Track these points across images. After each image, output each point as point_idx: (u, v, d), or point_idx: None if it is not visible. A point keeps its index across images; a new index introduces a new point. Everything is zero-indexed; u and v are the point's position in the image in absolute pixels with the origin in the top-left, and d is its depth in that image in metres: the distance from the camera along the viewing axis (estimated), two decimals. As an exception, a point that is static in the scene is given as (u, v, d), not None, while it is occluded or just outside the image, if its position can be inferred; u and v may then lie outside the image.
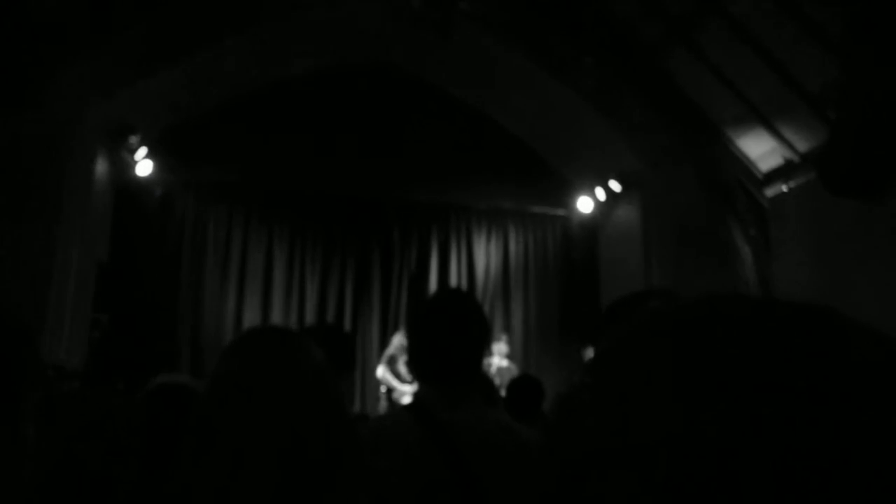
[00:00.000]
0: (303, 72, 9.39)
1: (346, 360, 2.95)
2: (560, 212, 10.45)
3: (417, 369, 2.04)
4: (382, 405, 7.94)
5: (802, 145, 7.88)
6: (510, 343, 8.80)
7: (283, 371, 1.29)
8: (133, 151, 8.43)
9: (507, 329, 9.74)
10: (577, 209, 10.18)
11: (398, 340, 8.01)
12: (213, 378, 1.35)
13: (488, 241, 10.34)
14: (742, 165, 8.67)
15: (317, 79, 9.46)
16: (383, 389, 7.92)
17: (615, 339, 0.43)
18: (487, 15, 8.27)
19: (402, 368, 7.67)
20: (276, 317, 9.39)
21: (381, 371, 7.94)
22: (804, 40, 6.91)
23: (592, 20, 8.65)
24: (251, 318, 9.30)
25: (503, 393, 4.89)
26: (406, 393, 7.58)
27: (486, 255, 10.28)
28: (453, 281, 10.00)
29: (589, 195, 9.93)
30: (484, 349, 2.08)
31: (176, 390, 2.11)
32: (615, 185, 9.44)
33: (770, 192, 8.41)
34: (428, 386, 2.00)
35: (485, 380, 4.37)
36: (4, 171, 7.19)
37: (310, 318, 9.46)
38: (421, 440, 1.82)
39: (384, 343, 8.89)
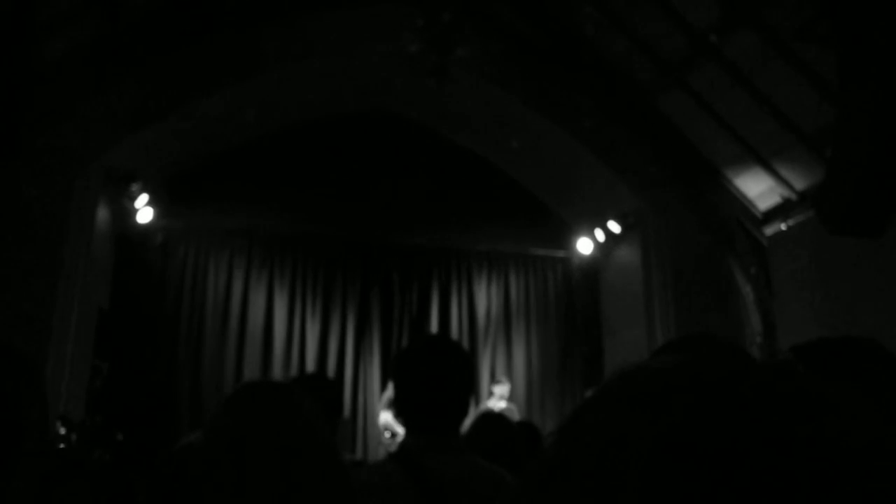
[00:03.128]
0: (302, 119, 9.50)
1: (333, 407, 2.94)
2: (560, 254, 10.46)
3: (403, 417, 2.04)
4: (386, 450, 7.82)
5: (800, 184, 7.93)
6: (512, 385, 8.73)
7: (274, 425, 1.29)
8: (134, 199, 8.48)
9: (509, 371, 9.69)
10: (577, 251, 10.19)
11: None
12: (207, 434, 1.34)
13: (489, 283, 10.33)
14: (740, 204, 8.71)
15: (316, 125, 9.57)
16: (388, 435, 7.82)
17: (585, 405, 0.43)
18: (484, 61, 8.39)
19: None
20: (277, 362, 9.34)
21: (384, 416, 7.84)
22: (797, 81, 6.99)
23: (588, 64, 8.77)
24: (252, 363, 9.25)
25: None
26: None
27: (486, 297, 10.26)
28: (454, 324, 9.97)
29: (588, 237, 9.95)
30: (469, 394, 2.07)
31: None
32: (614, 227, 9.46)
33: (769, 230, 8.43)
34: (413, 434, 1.99)
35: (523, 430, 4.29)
36: (5, 219, 7.23)
37: (310, 362, 9.41)
38: (405, 489, 1.81)
39: (386, 388, 8.83)
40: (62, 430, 5.84)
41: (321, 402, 2.80)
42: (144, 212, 8.67)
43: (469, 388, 2.06)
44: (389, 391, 7.93)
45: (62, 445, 5.70)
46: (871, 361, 1.28)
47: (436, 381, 1.97)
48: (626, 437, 0.38)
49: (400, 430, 7.64)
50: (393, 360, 2.23)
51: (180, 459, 2.03)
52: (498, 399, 8.06)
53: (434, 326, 9.88)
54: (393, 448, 7.58)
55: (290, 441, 1.28)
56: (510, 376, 9.30)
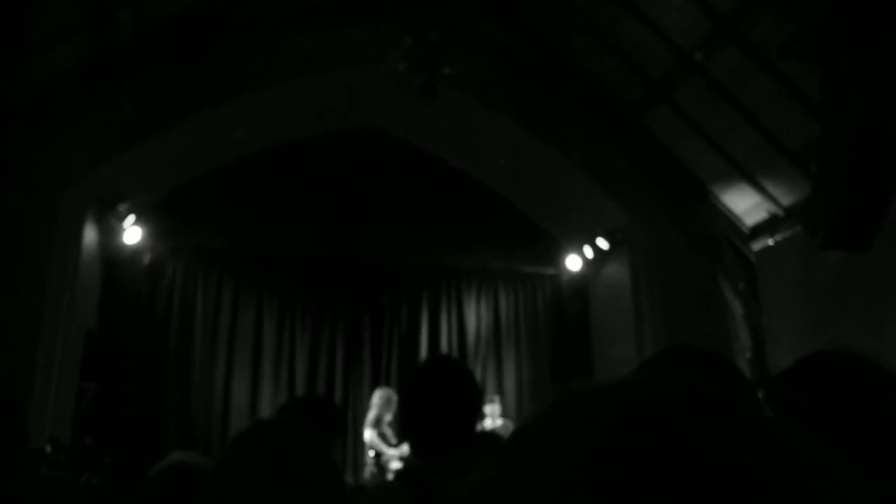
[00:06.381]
0: (290, 139, 9.49)
1: (335, 430, 2.93)
2: (549, 271, 10.47)
3: (409, 439, 2.04)
4: (371, 470, 7.76)
5: (786, 199, 7.99)
6: (503, 403, 8.71)
7: (286, 465, 1.29)
8: (122, 219, 8.44)
9: (500, 389, 9.66)
10: (566, 268, 10.22)
11: (378, 399, 7.90)
12: (215, 473, 1.34)
13: (478, 301, 10.32)
14: (728, 220, 8.75)
15: (305, 144, 9.57)
16: (371, 454, 7.76)
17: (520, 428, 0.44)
18: (471, 79, 8.43)
19: (388, 430, 7.53)
20: (266, 383, 9.28)
21: (369, 435, 7.79)
22: (782, 97, 7.06)
23: (575, 82, 8.83)
24: (241, 385, 9.19)
25: None
26: (394, 457, 7.43)
27: (476, 315, 10.25)
28: (444, 343, 9.95)
29: (577, 253, 9.99)
30: (476, 415, 2.08)
31: (189, 471, 2.06)
32: (603, 243, 9.50)
33: (756, 245, 8.48)
34: (420, 455, 1.99)
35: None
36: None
37: (300, 383, 9.35)
38: None
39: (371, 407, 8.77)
40: (49, 451, 5.76)
41: (323, 425, 2.80)
42: (132, 232, 8.62)
43: (475, 409, 2.07)
44: (375, 410, 7.89)
45: (49, 467, 5.63)
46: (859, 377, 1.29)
47: (442, 403, 1.98)
48: (550, 459, 0.39)
49: (386, 450, 7.62)
50: (399, 382, 2.23)
51: (164, 480, 2.02)
52: (491, 420, 8.05)
53: (424, 345, 9.86)
54: (375, 469, 7.57)
55: (300, 480, 1.28)
56: (501, 394, 9.28)
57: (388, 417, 7.48)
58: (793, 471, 0.36)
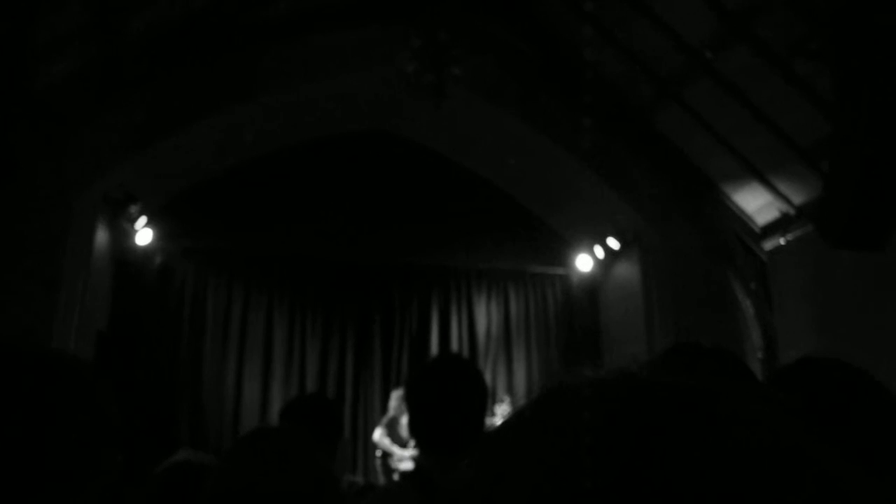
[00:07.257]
0: (300, 140, 9.51)
1: (334, 428, 2.91)
2: (559, 271, 10.45)
3: (417, 437, 2.03)
4: (379, 470, 7.77)
5: (798, 198, 7.94)
6: (513, 403, 8.70)
7: (282, 474, 1.29)
8: (133, 221, 8.48)
9: (510, 389, 9.65)
10: (576, 268, 10.19)
11: (395, 401, 7.90)
12: (214, 480, 1.34)
13: (488, 302, 10.30)
14: (739, 220, 8.71)
15: (315, 147, 9.58)
16: (378, 454, 7.77)
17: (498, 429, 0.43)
18: (480, 79, 8.42)
19: (404, 431, 7.52)
20: (277, 384, 9.30)
21: (378, 435, 7.79)
22: (793, 95, 7.02)
23: (585, 81, 8.80)
24: (252, 385, 9.21)
25: None
26: (405, 458, 7.42)
27: (486, 316, 10.24)
28: (454, 343, 9.94)
29: (588, 253, 9.96)
30: (484, 414, 2.07)
31: (194, 469, 2.06)
32: (613, 243, 9.47)
33: (768, 245, 8.43)
34: (428, 454, 1.98)
35: None
36: (4, 241, 7.22)
37: (311, 383, 9.37)
38: None
39: (386, 408, 8.78)
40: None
41: (322, 424, 2.79)
42: (143, 234, 8.66)
43: (483, 408, 2.05)
44: (391, 410, 7.90)
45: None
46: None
47: (449, 401, 1.97)
48: (525, 459, 0.38)
49: (395, 450, 7.62)
50: (406, 380, 2.22)
51: (169, 478, 2.03)
52: (501, 419, 8.04)
53: (434, 346, 9.85)
54: (382, 468, 7.57)
55: (296, 488, 1.28)
56: (511, 394, 9.27)
57: (405, 419, 7.49)
58: (792, 471, 0.35)
